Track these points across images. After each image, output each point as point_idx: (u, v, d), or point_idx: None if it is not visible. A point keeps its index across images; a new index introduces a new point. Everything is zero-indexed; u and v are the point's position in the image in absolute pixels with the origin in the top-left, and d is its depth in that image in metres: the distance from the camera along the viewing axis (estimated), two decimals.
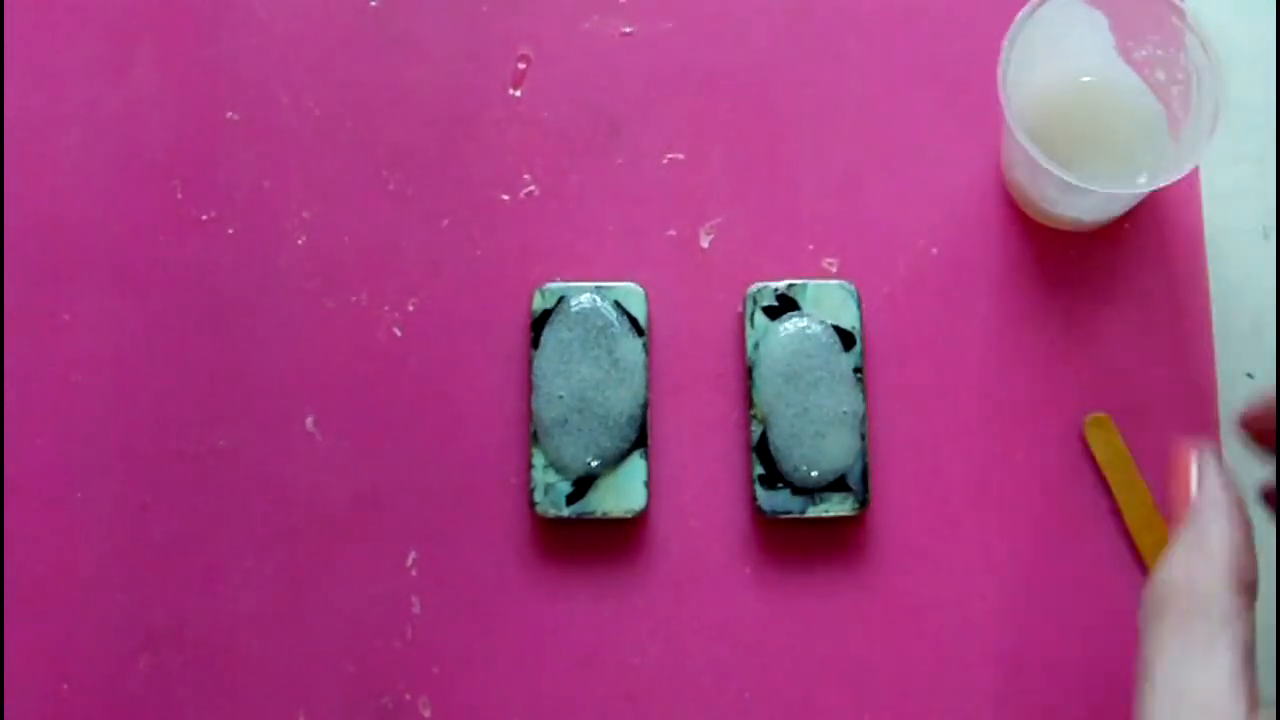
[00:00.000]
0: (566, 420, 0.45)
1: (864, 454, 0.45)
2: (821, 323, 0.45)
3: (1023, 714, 0.44)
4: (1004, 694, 0.44)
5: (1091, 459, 0.46)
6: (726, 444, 0.46)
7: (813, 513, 0.45)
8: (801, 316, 0.46)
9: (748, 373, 0.46)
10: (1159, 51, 0.44)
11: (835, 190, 0.48)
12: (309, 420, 0.47)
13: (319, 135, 0.48)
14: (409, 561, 0.46)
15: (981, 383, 0.46)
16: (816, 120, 0.48)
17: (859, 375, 0.45)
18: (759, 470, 0.45)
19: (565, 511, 0.45)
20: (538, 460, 0.45)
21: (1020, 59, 0.42)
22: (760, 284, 0.46)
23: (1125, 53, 0.45)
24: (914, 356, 0.46)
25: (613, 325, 0.45)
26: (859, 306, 0.46)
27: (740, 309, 0.47)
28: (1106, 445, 0.46)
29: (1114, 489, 0.45)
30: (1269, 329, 0.47)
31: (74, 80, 0.49)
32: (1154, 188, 0.43)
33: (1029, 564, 0.45)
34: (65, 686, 0.45)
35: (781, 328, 0.46)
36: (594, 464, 0.44)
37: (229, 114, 0.49)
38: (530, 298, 0.46)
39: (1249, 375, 0.47)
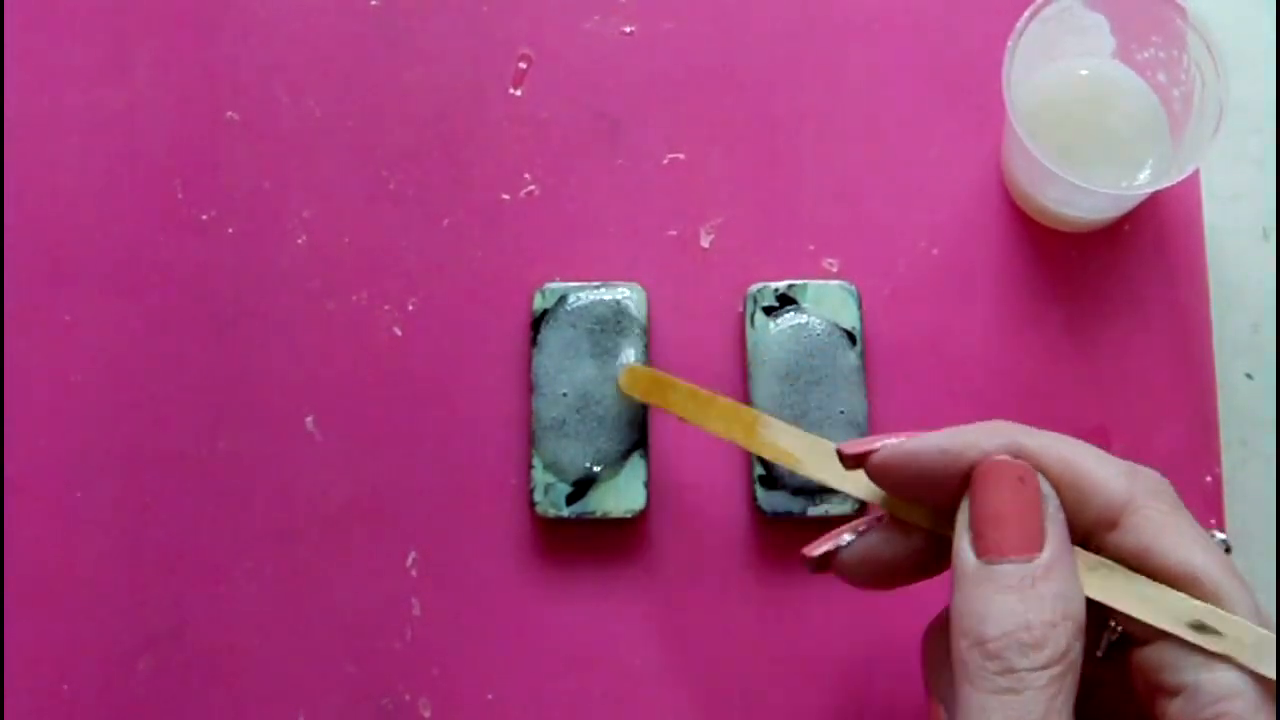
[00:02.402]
0: (565, 422, 0.45)
1: None
2: (822, 319, 0.45)
3: None
4: None
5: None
6: (726, 444, 0.46)
7: (813, 513, 0.45)
8: (799, 312, 0.46)
9: (747, 373, 0.46)
10: (1161, 53, 0.44)
11: (836, 191, 0.48)
12: (309, 420, 0.47)
13: (319, 135, 0.48)
14: (409, 562, 0.46)
15: (981, 383, 0.46)
16: (817, 120, 0.48)
17: (860, 374, 0.45)
18: (759, 470, 0.45)
19: (565, 512, 0.45)
20: (537, 461, 0.45)
21: (1023, 61, 0.42)
22: (761, 284, 0.46)
23: (1127, 55, 0.45)
24: (914, 357, 0.46)
25: (612, 325, 0.45)
26: (859, 307, 0.46)
27: (740, 309, 0.47)
28: (650, 386, 0.43)
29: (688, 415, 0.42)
30: (1269, 329, 0.47)
31: (74, 80, 0.49)
32: (1155, 189, 0.43)
33: None
34: (65, 686, 0.45)
35: (774, 324, 0.46)
36: (592, 468, 0.44)
37: (229, 114, 0.49)
38: (530, 298, 0.46)
39: (1248, 376, 0.47)
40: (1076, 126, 0.46)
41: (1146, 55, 0.45)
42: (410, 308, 0.47)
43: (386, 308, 0.47)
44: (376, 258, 0.48)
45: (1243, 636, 0.31)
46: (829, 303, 0.46)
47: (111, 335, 0.47)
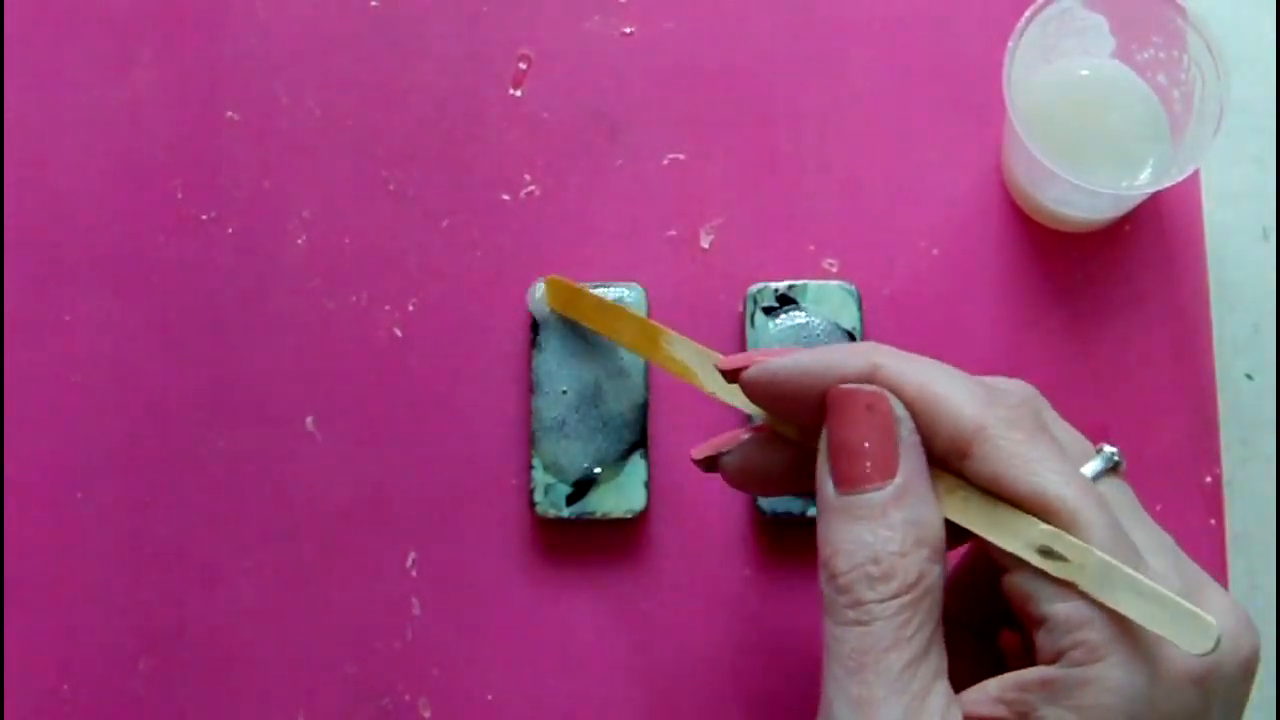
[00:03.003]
0: (565, 423, 0.45)
1: None
2: (822, 319, 0.45)
3: None
4: None
5: None
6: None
7: (813, 513, 0.44)
8: (799, 312, 0.46)
9: None
10: (1161, 54, 0.44)
11: (836, 191, 0.48)
12: (309, 420, 0.47)
13: (319, 135, 0.48)
14: (409, 562, 0.46)
15: None
16: (817, 120, 0.48)
17: None
18: None
19: (565, 512, 0.45)
20: (537, 461, 0.45)
21: (1023, 61, 0.42)
22: (761, 284, 0.46)
23: (1127, 55, 0.45)
24: None
25: None
26: (859, 307, 0.46)
27: (740, 309, 0.47)
28: (567, 298, 0.44)
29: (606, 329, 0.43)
30: (1269, 330, 0.47)
31: (74, 80, 0.49)
32: (1155, 189, 0.43)
33: None
34: (65, 687, 0.45)
35: (774, 324, 0.46)
36: (592, 468, 0.44)
37: (229, 114, 0.49)
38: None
39: (1248, 376, 0.47)
40: (1076, 126, 0.46)
41: (1146, 55, 0.45)
42: (410, 308, 0.47)
43: (386, 308, 0.47)
44: (376, 258, 0.48)
45: (1085, 561, 0.30)
46: (829, 303, 0.46)
47: (111, 335, 0.47)
